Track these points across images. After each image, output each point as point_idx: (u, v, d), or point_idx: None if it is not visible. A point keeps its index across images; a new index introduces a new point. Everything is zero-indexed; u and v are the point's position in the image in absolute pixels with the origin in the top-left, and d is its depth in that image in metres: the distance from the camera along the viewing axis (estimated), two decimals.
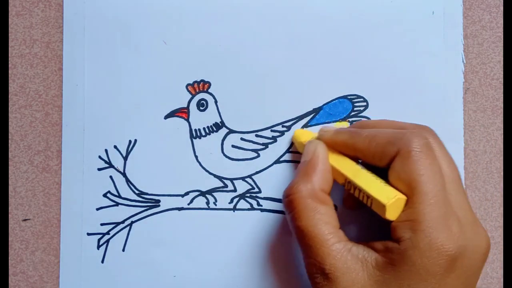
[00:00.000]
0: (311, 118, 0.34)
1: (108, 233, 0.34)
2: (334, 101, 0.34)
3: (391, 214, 0.26)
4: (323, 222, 0.27)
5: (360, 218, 0.33)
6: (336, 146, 0.30)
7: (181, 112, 0.34)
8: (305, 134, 0.33)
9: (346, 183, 0.29)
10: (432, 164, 0.26)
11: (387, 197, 0.26)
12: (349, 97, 0.34)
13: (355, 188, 0.28)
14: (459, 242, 0.25)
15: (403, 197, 0.26)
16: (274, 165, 0.34)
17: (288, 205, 0.28)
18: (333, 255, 0.26)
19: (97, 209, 0.34)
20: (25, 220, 0.35)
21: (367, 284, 0.25)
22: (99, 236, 0.34)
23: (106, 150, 0.34)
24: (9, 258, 0.35)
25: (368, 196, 0.27)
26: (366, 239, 0.28)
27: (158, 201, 0.34)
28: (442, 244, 0.24)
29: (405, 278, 0.25)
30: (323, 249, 0.26)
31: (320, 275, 0.26)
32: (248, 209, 0.34)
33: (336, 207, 0.30)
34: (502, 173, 0.34)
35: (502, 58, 0.35)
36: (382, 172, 0.28)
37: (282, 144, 0.34)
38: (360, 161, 0.30)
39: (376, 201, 0.26)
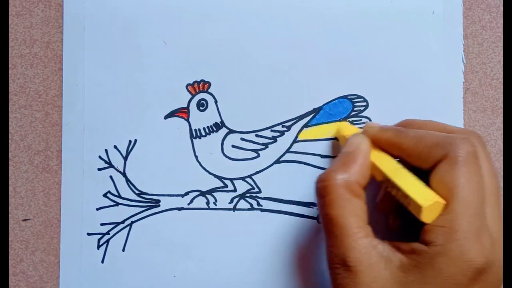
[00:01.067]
0: (311, 118, 0.34)
1: (108, 233, 0.34)
2: (334, 101, 0.34)
3: (427, 216, 0.26)
4: (353, 214, 0.27)
5: (382, 219, 0.33)
6: (380, 143, 0.30)
7: (181, 112, 0.34)
8: (349, 128, 0.33)
9: (385, 180, 0.28)
10: (477, 174, 0.26)
11: (426, 199, 0.26)
12: (349, 97, 0.34)
13: (394, 186, 0.28)
14: (489, 256, 0.25)
15: (442, 201, 0.26)
16: (274, 165, 0.34)
17: (321, 191, 0.28)
18: (359, 249, 0.26)
19: (97, 209, 0.34)
20: (25, 220, 0.35)
21: (388, 284, 0.25)
22: (99, 236, 0.34)
23: (106, 150, 0.34)
24: (9, 258, 0.35)
25: (406, 196, 0.26)
26: (392, 239, 0.27)
27: (158, 201, 0.34)
28: (473, 256, 0.24)
29: (429, 283, 0.25)
30: (349, 241, 0.26)
31: (341, 266, 0.26)
32: (248, 209, 0.34)
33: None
34: (502, 173, 0.34)
35: (502, 58, 0.35)
36: (421, 174, 0.28)
37: (282, 144, 0.34)
38: (398, 160, 0.30)
39: (413, 202, 0.26)
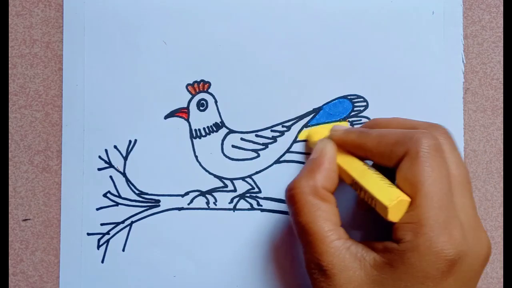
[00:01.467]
0: (311, 118, 0.34)
1: (108, 233, 0.34)
2: (334, 101, 0.34)
3: (393, 215, 0.26)
4: (323, 219, 0.27)
5: (366, 218, 0.33)
6: (346, 146, 0.30)
7: (181, 112, 0.34)
8: (319, 133, 0.33)
9: (353, 183, 0.29)
10: (440, 166, 0.26)
11: (390, 199, 0.26)
12: (349, 97, 0.34)
13: (361, 189, 0.28)
14: (459, 247, 0.25)
15: (406, 199, 0.26)
16: (274, 165, 0.34)
17: (290, 200, 0.28)
18: (331, 252, 0.26)
19: (97, 209, 0.34)
20: (25, 220, 0.35)
21: (363, 283, 0.25)
22: (99, 236, 0.34)
23: (106, 150, 0.34)
24: (9, 258, 0.35)
25: (372, 197, 0.27)
26: (369, 239, 0.28)
27: (158, 201, 0.34)
28: (442, 248, 0.24)
29: (402, 279, 0.25)
30: (322, 245, 0.26)
31: (317, 271, 0.27)
32: (248, 209, 0.34)
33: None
34: (502, 173, 0.34)
35: (502, 58, 0.35)
36: (392, 173, 0.28)
37: (282, 144, 0.34)
38: (366, 161, 0.30)
39: (379, 202, 0.26)
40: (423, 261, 0.24)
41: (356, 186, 0.28)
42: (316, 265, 0.27)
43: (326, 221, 0.27)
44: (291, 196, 0.28)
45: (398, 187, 0.27)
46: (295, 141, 0.34)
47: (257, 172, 0.34)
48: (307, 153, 0.34)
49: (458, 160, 0.27)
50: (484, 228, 0.27)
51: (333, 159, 0.29)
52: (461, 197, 0.26)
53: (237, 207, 0.34)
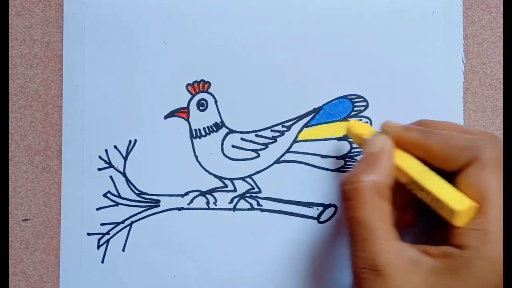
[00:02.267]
0: (311, 118, 0.34)
1: (108, 233, 0.34)
2: (334, 101, 0.34)
3: (461, 220, 0.25)
4: (382, 217, 0.26)
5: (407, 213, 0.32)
6: (404, 144, 0.28)
7: (181, 112, 0.34)
8: (362, 127, 0.31)
9: (411, 183, 0.28)
10: (502, 177, 0.26)
11: (459, 203, 0.25)
12: (349, 97, 0.34)
13: (421, 189, 0.27)
14: None
15: (476, 205, 0.25)
16: (274, 165, 0.34)
17: (348, 193, 0.27)
18: (389, 252, 0.25)
19: (97, 209, 0.34)
20: (25, 220, 0.35)
21: (421, 287, 0.25)
22: (99, 236, 0.34)
23: (106, 150, 0.34)
24: (9, 258, 0.35)
25: (437, 200, 0.26)
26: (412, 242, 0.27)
27: (158, 201, 0.34)
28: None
29: (467, 286, 0.24)
30: (379, 244, 0.25)
31: (369, 270, 0.25)
32: (248, 209, 0.34)
33: None
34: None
35: (502, 58, 0.35)
36: (444, 176, 0.27)
37: (282, 144, 0.34)
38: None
39: (446, 206, 0.26)
40: (491, 270, 0.24)
41: (414, 186, 0.28)
42: (368, 265, 0.25)
43: (384, 219, 0.26)
44: (352, 190, 0.26)
45: (461, 192, 0.26)
46: (295, 141, 0.34)
47: (257, 172, 0.34)
48: (307, 153, 0.34)
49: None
50: None
51: (393, 155, 0.28)
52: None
53: (237, 207, 0.34)
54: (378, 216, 0.26)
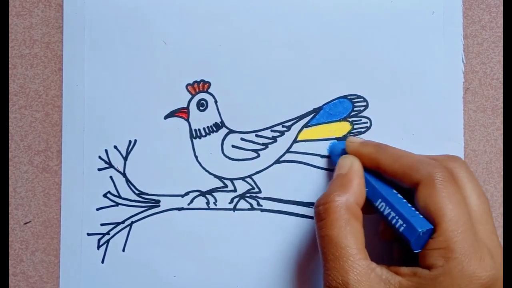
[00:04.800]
0: (311, 118, 0.34)
1: (108, 233, 0.34)
2: (334, 101, 0.34)
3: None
4: (353, 236, 0.27)
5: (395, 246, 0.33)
6: (361, 158, 0.30)
7: (181, 112, 0.34)
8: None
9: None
10: (456, 193, 0.26)
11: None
12: (349, 97, 0.34)
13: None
14: (491, 271, 0.25)
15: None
16: (274, 165, 0.34)
17: (323, 213, 0.28)
18: (359, 270, 0.26)
19: (97, 209, 0.34)
20: (26, 223, 0.35)
21: None
22: (99, 236, 0.34)
23: (106, 150, 0.34)
24: (9, 258, 0.35)
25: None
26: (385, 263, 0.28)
27: (158, 201, 0.34)
28: (474, 272, 0.25)
29: None
30: (350, 262, 0.26)
31: None
32: (248, 209, 0.34)
33: None
34: (502, 173, 0.34)
35: (502, 58, 0.35)
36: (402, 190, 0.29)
37: (282, 144, 0.34)
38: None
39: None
40: (456, 285, 0.25)
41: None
42: (340, 282, 0.26)
43: (355, 238, 0.27)
44: (325, 209, 0.28)
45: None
46: (295, 141, 0.34)
47: (257, 172, 0.34)
48: (307, 153, 0.34)
49: (479, 190, 0.28)
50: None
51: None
52: (485, 225, 0.27)
53: (237, 207, 0.34)
54: (349, 235, 0.27)
